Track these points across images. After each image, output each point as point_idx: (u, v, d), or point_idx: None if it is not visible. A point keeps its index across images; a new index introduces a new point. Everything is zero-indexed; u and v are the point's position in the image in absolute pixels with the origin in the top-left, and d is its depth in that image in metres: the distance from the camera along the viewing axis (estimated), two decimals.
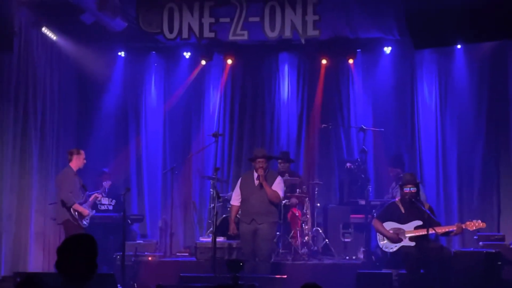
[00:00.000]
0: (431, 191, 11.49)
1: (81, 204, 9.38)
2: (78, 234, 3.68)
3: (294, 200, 10.56)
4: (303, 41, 10.37)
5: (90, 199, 9.60)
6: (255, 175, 8.89)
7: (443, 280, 8.31)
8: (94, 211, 9.81)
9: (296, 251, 10.19)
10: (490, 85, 11.60)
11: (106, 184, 10.19)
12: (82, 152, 9.62)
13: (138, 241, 10.96)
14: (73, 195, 9.32)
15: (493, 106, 11.57)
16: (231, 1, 10.12)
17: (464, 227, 8.52)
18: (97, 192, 9.78)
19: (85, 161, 9.63)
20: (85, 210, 9.38)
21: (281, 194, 8.97)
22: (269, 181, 8.89)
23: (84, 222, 9.39)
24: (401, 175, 9.52)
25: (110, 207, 11.09)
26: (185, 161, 12.13)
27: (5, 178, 9.46)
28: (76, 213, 9.33)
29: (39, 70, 10.36)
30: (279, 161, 10.90)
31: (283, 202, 9.75)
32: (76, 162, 9.53)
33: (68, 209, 9.28)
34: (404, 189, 8.71)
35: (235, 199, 9.08)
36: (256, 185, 8.83)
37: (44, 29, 10.45)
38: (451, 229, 8.53)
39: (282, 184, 9.11)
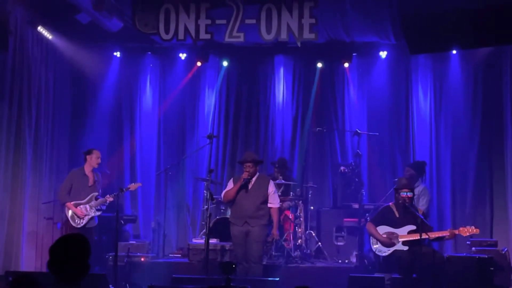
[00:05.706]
0: None
1: (78, 204, 9.39)
2: (71, 234, 3.67)
3: (287, 203, 10.59)
4: (299, 44, 10.36)
5: (98, 200, 9.58)
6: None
7: (435, 285, 8.31)
8: (95, 212, 9.59)
9: (289, 254, 10.19)
10: (484, 90, 11.60)
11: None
12: (93, 152, 9.70)
13: (130, 242, 10.94)
14: (70, 194, 9.49)
15: (487, 111, 11.57)
16: (227, 3, 10.10)
17: (457, 232, 8.53)
18: (108, 195, 9.67)
19: (99, 160, 9.71)
20: (78, 210, 9.37)
21: (277, 203, 9.08)
22: (261, 186, 8.91)
23: (77, 222, 9.38)
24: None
25: (104, 207, 11.04)
26: (179, 162, 12.10)
27: None
28: (69, 212, 9.37)
29: (34, 70, 10.32)
30: (275, 168, 10.90)
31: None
32: (89, 162, 9.66)
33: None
34: (401, 193, 8.70)
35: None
36: (248, 188, 8.88)
37: (40, 28, 10.41)
38: (443, 235, 8.55)
39: (276, 192, 9.15)
